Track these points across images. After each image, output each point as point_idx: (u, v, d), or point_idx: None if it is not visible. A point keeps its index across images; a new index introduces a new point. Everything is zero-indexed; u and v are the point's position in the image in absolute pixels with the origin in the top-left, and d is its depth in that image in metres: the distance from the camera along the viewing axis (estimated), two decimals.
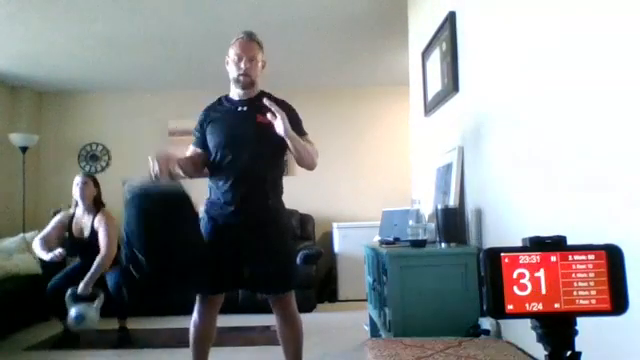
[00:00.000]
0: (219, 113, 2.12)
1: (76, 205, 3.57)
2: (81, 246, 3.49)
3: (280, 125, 1.90)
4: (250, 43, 2.08)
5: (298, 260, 4.33)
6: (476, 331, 1.95)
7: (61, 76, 5.06)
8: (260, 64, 2.11)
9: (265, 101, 1.93)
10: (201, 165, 2.13)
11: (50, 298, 3.45)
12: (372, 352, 1.63)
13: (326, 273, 5.00)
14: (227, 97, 2.16)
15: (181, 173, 2.00)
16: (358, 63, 4.80)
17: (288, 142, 1.95)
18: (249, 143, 2.02)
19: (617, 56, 1.23)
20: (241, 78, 2.05)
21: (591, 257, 0.82)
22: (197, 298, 2.12)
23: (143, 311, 4.16)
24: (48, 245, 3.48)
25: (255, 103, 2.06)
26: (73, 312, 3.24)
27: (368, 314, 3.01)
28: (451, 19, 2.43)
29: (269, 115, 1.92)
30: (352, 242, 4.72)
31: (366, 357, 1.67)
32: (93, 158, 5.58)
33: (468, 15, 2.29)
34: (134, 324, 3.71)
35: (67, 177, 5.33)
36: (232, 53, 2.08)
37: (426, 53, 2.93)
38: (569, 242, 0.85)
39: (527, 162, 1.72)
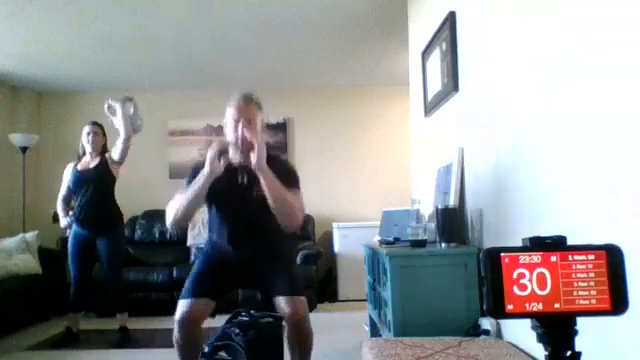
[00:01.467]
0: (217, 179, 1.97)
1: (83, 154, 3.58)
2: (86, 179, 3.45)
3: (254, 158, 1.86)
4: (248, 105, 2.00)
5: (298, 260, 4.33)
6: (476, 331, 1.95)
7: (61, 76, 5.06)
8: (259, 126, 2.04)
9: (245, 132, 1.91)
10: None
11: (77, 287, 3.47)
12: (372, 352, 1.63)
13: (326, 273, 5.00)
14: (227, 157, 2.02)
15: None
16: (358, 63, 4.80)
17: (260, 178, 1.88)
18: (248, 212, 2.02)
19: (617, 56, 1.23)
20: (239, 143, 1.97)
21: (591, 257, 0.82)
22: (177, 313, 1.94)
23: (143, 311, 4.17)
24: (69, 204, 3.52)
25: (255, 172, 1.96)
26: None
27: (368, 314, 3.01)
28: (451, 19, 2.43)
29: (253, 142, 1.89)
30: (352, 242, 4.71)
31: (366, 357, 1.67)
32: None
33: (468, 15, 2.29)
34: (134, 324, 3.71)
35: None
36: (229, 115, 2.01)
37: (426, 53, 2.93)
38: (569, 242, 0.85)
39: (527, 162, 1.72)
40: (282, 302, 1.93)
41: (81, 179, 3.46)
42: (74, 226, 3.47)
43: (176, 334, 1.92)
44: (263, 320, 1.99)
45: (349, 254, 4.83)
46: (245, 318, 1.99)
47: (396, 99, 5.35)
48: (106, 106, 3.44)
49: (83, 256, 3.46)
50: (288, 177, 1.99)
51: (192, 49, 4.35)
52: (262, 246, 2.06)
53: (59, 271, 4.46)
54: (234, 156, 2.04)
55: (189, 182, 2.00)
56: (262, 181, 1.88)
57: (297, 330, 1.94)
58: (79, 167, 3.52)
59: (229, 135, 2.01)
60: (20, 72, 4.87)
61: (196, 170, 2.01)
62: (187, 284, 2.00)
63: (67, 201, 3.53)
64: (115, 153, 3.47)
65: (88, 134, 3.52)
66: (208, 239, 2.20)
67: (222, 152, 1.92)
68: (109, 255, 3.47)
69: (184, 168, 5.48)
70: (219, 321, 2.34)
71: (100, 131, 3.57)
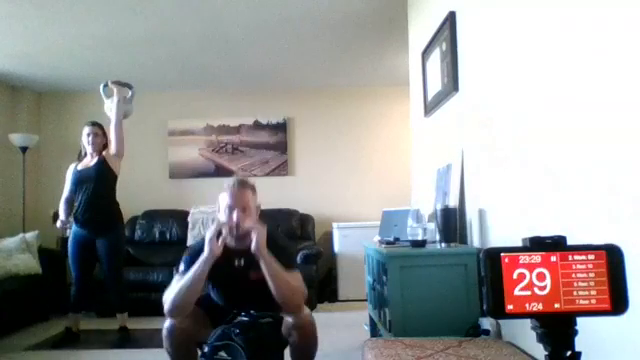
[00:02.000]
0: (215, 263, 1.95)
1: (84, 155, 3.58)
2: (86, 178, 3.45)
3: (253, 243, 1.86)
4: (241, 191, 2.00)
5: (298, 260, 4.33)
6: (476, 331, 1.95)
7: (61, 76, 5.06)
8: (254, 210, 2.03)
9: (240, 220, 1.92)
10: None
11: (79, 287, 3.47)
12: (372, 352, 1.63)
13: (326, 273, 4.99)
14: (225, 237, 1.99)
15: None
16: (358, 63, 4.80)
17: (260, 262, 1.88)
18: (244, 300, 2.00)
19: (618, 56, 1.23)
20: (234, 231, 1.95)
21: (591, 257, 0.82)
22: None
23: (143, 311, 4.16)
24: (72, 205, 3.50)
25: (251, 255, 1.94)
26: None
27: (368, 314, 3.01)
28: (451, 19, 2.43)
29: (252, 230, 1.89)
30: (352, 242, 4.72)
31: (366, 357, 1.67)
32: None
33: (468, 15, 2.29)
34: (134, 324, 3.71)
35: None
36: (222, 202, 2.00)
37: (426, 53, 2.93)
38: (569, 242, 0.85)
39: (527, 162, 1.72)
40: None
41: (81, 178, 3.46)
42: (74, 226, 3.47)
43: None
44: (263, 320, 1.98)
45: (349, 254, 4.83)
46: (245, 318, 1.99)
47: (396, 99, 5.35)
48: (102, 85, 3.51)
49: (83, 256, 3.46)
50: (285, 258, 1.97)
51: (192, 49, 4.35)
52: (272, 328, 1.99)
53: (59, 271, 4.46)
54: (229, 240, 1.99)
55: (187, 266, 1.95)
56: (262, 265, 1.87)
57: (300, 332, 1.94)
58: (79, 167, 3.52)
59: (223, 219, 1.99)
60: (20, 72, 4.87)
61: (193, 253, 1.98)
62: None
63: (70, 202, 3.51)
64: (111, 147, 3.47)
65: (88, 135, 3.52)
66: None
67: (219, 233, 1.93)
68: (109, 255, 3.46)
69: (184, 168, 5.50)
70: None
71: (100, 131, 3.57)
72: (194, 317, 1.96)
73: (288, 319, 1.92)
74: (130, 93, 3.53)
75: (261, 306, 1.96)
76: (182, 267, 1.98)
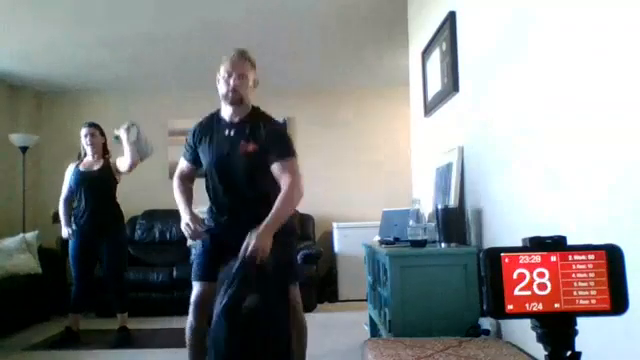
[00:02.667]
0: (208, 133, 2.12)
1: (84, 155, 3.58)
2: (89, 179, 3.46)
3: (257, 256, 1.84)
4: (241, 60, 2.06)
5: (298, 260, 4.33)
6: (476, 331, 1.95)
7: (61, 76, 5.05)
8: (251, 82, 2.08)
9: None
10: (192, 179, 2.27)
11: (79, 287, 3.47)
12: (372, 352, 1.63)
13: (326, 273, 5.00)
14: (218, 115, 2.14)
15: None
16: (358, 63, 4.79)
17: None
18: (235, 169, 2.04)
19: (618, 56, 1.23)
20: (230, 94, 2.02)
21: (591, 257, 0.82)
22: (192, 296, 2.08)
23: (143, 311, 4.17)
24: (72, 205, 3.51)
25: (243, 126, 2.05)
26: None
27: (368, 314, 3.01)
28: (451, 19, 2.43)
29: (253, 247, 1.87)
30: (352, 242, 4.71)
31: (366, 357, 1.67)
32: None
33: (468, 15, 2.29)
34: (134, 324, 3.71)
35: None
36: (222, 70, 2.06)
37: (426, 53, 2.93)
38: (569, 242, 0.85)
39: (527, 162, 1.72)
40: None
41: (84, 180, 3.46)
42: (74, 227, 3.47)
43: (190, 317, 2.07)
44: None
45: (349, 254, 4.83)
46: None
47: (396, 99, 5.34)
48: (113, 137, 3.49)
49: (84, 256, 3.46)
50: (282, 147, 2.02)
51: (192, 49, 4.35)
52: (253, 216, 1.98)
53: (59, 271, 4.47)
54: (225, 111, 2.09)
55: (187, 148, 2.19)
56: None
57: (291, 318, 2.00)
58: (82, 167, 3.52)
59: (221, 89, 2.06)
60: (20, 72, 4.87)
61: (192, 135, 2.15)
62: (196, 265, 2.10)
63: (69, 202, 3.53)
64: (122, 166, 3.46)
65: (85, 136, 3.53)
66: (208, 214, 2.21)
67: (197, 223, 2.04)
68: (111, 256, 3.47)
69: None
70: None
71: (97, 131, 3.57)
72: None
73: None
74: (137, 131, 3.46)
75: (253, 179, 2.02)
76: (184, 151, 2.23)
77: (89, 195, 3.43)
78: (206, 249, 2.11)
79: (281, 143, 2.05)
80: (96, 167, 3.50)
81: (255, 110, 2.13)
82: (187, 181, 2.24)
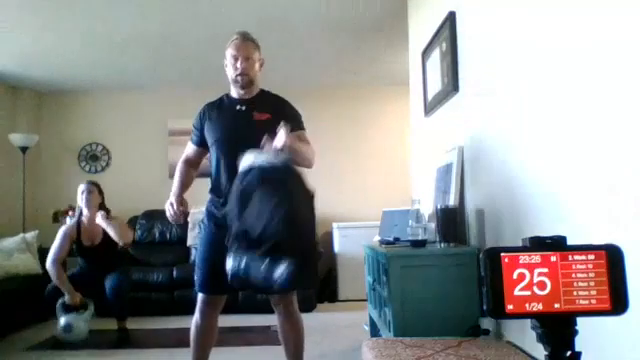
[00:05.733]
0: (217, 111, 2.15)
1: (80, 213, 3.57)
2: (92, 253, 3.51)
3: (281, 140, 1.82)
4: (245, 43, 2.08)
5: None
6: (476, 331, 1.95)
7: (61, 76, 5.05)
8: (258, 63, 2.11)
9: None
10: (197, 164, 2.29)
11: (49, 300, 3.48)
12: (372, 352, 1.63)
13: (326, 273, 4.99)
14: (228, 95, 2.18)
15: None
16: (358, 63, 4.79)
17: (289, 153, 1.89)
18: (246, 141, 1.94)
19: (618, 56, 1.23)
20: (239, 78, 2.05)
21: (591, 257, 0.82)
22: (199, 298, 2.10)
23: (143, 311, 4.16)
24: (61, 263, 3.51)
25: (254, 102, 2.09)
26: (62, 321, 3.33)
27: (368, 314, 3.01)
28: (451, 19, 2.43)
29: (267, 144, 1.85)
30: (352, 242, 4.72)
31: (366, 357, 1.67)
32: (93, 158, 5.58)
33: (468, 15, 2.29)
34: (134, 324, 3.71)
35: (67, 177, 5.37)
36: (228, 55, 2.09)
37: (426, 53, 2.93)
38: (569, 242, 0.85)
39: (527, 162, 1.72)
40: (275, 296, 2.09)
41: (86, 255, 3.53)
42: (78, 266, 3.56)
43: (197, 315, 2.10)
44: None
45: (349, 254, 4.82)
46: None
47: (396, 99, 5.35)
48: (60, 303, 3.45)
49: (80, 285, 3.47)
50: (293, 120, 2.04)
51: (192, 49, 4.35)
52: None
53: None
54: (235, 93, 2.13)
55: (194, 132, 2.22)
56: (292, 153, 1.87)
57: (287, 316, 2.08)
58: (84, 241, 3.51)
59: (229, 72, 2.08)
60: (20, 72, 4.87)
61: (199, 118, 2.19)
62: (201, 276, 2.08)
63: (61, 262, 3.51)
64: (119, 241, 3.49)
65: (82, 192, 3.51)
66: (209, 194, 2.17)
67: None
68: (117, 285, 3.46)
69: None
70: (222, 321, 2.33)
71: (95, 189, 3.55)
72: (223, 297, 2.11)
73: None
74: (85, 314, 3.44)
75: (259, 144, 1.98)
76: (192, 136, 2.25)
77: (93, 267, 3.50)
78: (207, 256, 2.07)
79: (294, 116, 2.10)
80: (97, 241, 3.51)
81: (264, 91, 2.17)
82: (191, 167, 2.26)
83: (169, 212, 2.08)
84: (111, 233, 3.44)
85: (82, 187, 3.52)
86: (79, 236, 3.52)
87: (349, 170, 5.50)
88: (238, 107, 2.09)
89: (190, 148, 2.26)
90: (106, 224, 3.44)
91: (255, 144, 1.93)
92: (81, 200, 3.50)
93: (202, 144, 2.19)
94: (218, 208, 2.07)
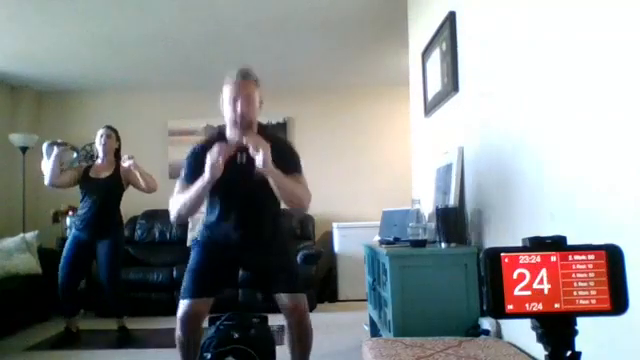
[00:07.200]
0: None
1: (96, 157, 3.60)
2: (97, 185, 3.45)
3: (260, 159, 1.81)
4: (245, 81, 1.96)
5: (298, 260, 4.33)
6: (476, 331, 1.95)
7: (61, 76, 5.05)
8: (257, 102, 2.00)
9: (246, 140, 1.86)
10: None
11: (63, 295, 3.45)
12: (372, 352, 1.63)
13: (326, 273, 4.99)
14: (224, 137, 2.01)
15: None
16: (358, 63, 4.79)
17: (268, 177, 1.85)
18: (247, 196, 1.98)
19: (619, 57, 1.23)
20: (239, 120, 1.93)
21: (591, 257, 0.82)
22: (178, 316, 1.93)
23: (143, 311, 4.16)
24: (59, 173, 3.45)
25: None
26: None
27: (368, 314, 3.01)
28: (451, 19, 2.43)
29: (251, 150, 1.83)
30: (352, 242, 4.71)
31: (366, 357, 1.67)
32: (93, 158, 5.57)
33: (468, 15, 2.29)
34: (134, 324, 3.71)
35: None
36: (227, 94, 1.96)
37: (426, 53, 2.93)
38: (569, 242, 0.85)
39: (527, 161, 1.72)
40: (284, 298, 1.95)
41: (91, 188, 3.46)
42: (74, 229, 3.47)
43: (178, 332, 1.93)
44: (254, 320, 1.99)
45: (349, 254, 4.82)
46: (231, 322, 1.98)
47: (396, 99, 5.34)
48: (46, 144, 3.48)
49: (77, 262, 3.44)
50: (291, 162, 1.98)
51: (192, 49, 4.35)
52: (261, 228, 2.03)
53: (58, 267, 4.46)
54: (232, 135, 1.98)
55: (187, 171, 2.00)
56: (270, 180, 1.86)
57: (299, 325, 1.95)
58: (91, 174, 3.50)
59: (227, 113, 1.96)
60: (20, 72, 4.87)
61: (195, 157, 1.99)
62: (186, 282, 1.99)
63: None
64: (139, 186, 3.51)
65: (101, 136, 3.51)
66: (204, 226, 2.14)
67: (222, 152, 1.87)
68: (109, 257, 3.46)
69: None
70: None
71: (113, 135, 3.55)
72: (206, 304, 1.95)
73: (284, 301, 1.93)
74: (75, 155, 3.53)
75: (261, 201, 1.97)
76: (183, 173, 2.03)
77: (93, 203, 3.43)
78: (199, 269, 2.02)
79: (293, 160, 2.02)
80: (105, 174, 3.49)
81: (262, 129, 2.06)
82: None
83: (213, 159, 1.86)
84: (139, 178, 3.44)
85: (101, 131, 3.52)
86: (87, 173, 3.51)
87: (349, 170, 5.50)
88: (239, 159, 1.95)
89: (183, 188, 2.00)
90: (134, 168, 3.43)
91: (255, 198, 1.96)
92: (99, 144, 3.51)
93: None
94: (210, 236, 2.09)
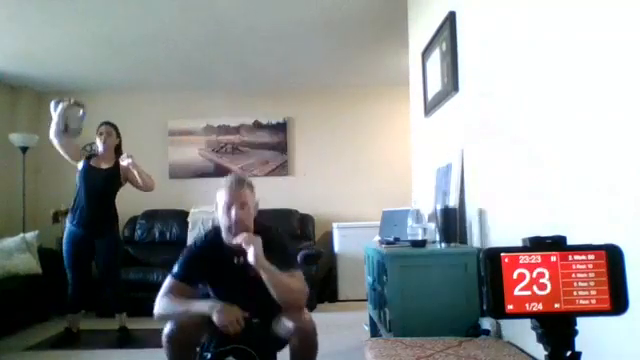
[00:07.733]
0: (213, 263, 2.01)
1: (96, 152, 3.61)
2: (96, 174, 3.45)
3: (251, 254, 1.82)
4: (239, 189, 1.96)
5: (298, 260, 4.32)
6: (476, 331, 1.95)
7: (61, 76, 5.05)
8: (252, 208, 2.00)
9: (237, 239, 1.88)
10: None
11: (74, 291, 3.46)
12: (372, 352, 1.63)
13: (326, 273, 4.99)
14: (220, 241, 2.01)
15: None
16: (358, 63, 4.79)
17: (260, 272, 1.84)
18: (246, 296, 1.95)
19: (619, 57, 1.23)
20: (234, 227, 1.93)
21: (591, 257, 0.82)
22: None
23: (143, 311, 4.16)
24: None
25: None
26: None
27: (368, 314, 3.01)
28: (451, 19, 2.43)
29: (243, 245, 1.85)
30: (352, 242, 4.72)
31: (366, 357, 1.67)
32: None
33: (468, 15, 2.29)
34: (134, 324, 3.71)
35: (67, 177, 5.36)
36: (221, 200, 1.97)
37: (426, 53, 2.93)
38: (569, 242, 0.85)
39: (527, 162, 1.72)
40: None
41: (88, 177, 3.45)
42: (70, 225, 3.47)
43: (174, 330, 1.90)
44: (255, 320, 1.96)
45: (349, 254, 4.82)
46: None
47: (396, 99, 5.34)
48: (54, 102, 3.64)
49: (80, 255, 3.44)
50: (285, 259, 1.96)
51: (192, 49, 4.35)
52: (262, 328, 1.99)
53: (59, 271, 4.43)
54: (228, 238, 1.97)
55: (180, 269, 1.98)
56: (263, 276, 1.84)
57: (306, 337, 1.91)
58: (92, 162, 3.51)
59: (223, 220, 1.96)
60: (20, 72, 4.87)
61: (191, 258, 2.01)
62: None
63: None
64: (137, 183, 3.52)
65: (101, 134, 3.52)
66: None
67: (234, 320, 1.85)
68: (107, 255, 3.47)
69: (184, 168, 5.50)
70: None
71: (114, 131, 3.56)
72: (194, 321, 1.90)
73: (289, 324, 1.87)
74: (81, 112, 3.50)
75: (261, 304, 1.94)
76: (175, 269, 1.99)
77: (89, 193, 3.42)
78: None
79: (288, 258, 2.00)
80: (104, 166, 3.49)
81: (258, 228, 2.02)
82: (177, 295, 1.95)
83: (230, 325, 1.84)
84: (137, 176, 3.44)
85: (101, 128, 3.53)
86: (88, 160, 3.52)
87: (349, 170, 5.50)
88: (236, 260, 1.98)
89: (173, 282, 1.97)
90: (133, 167, 3.43)
91: (253, 301, 1.92)
92: (99, 141, 3.51)
93: (191, 282, 2.01)
94: None
